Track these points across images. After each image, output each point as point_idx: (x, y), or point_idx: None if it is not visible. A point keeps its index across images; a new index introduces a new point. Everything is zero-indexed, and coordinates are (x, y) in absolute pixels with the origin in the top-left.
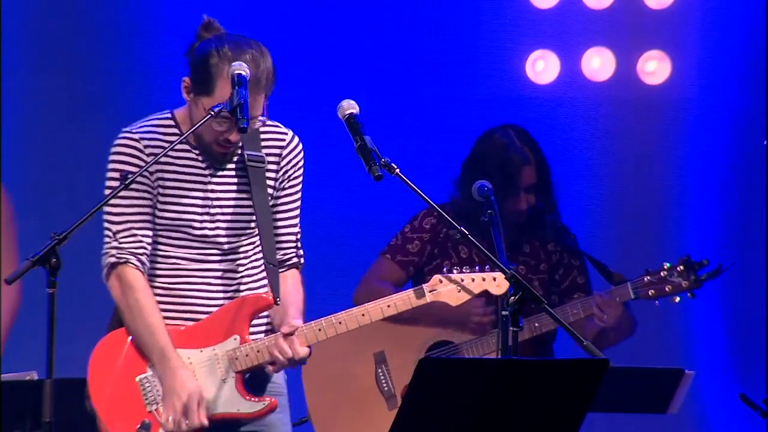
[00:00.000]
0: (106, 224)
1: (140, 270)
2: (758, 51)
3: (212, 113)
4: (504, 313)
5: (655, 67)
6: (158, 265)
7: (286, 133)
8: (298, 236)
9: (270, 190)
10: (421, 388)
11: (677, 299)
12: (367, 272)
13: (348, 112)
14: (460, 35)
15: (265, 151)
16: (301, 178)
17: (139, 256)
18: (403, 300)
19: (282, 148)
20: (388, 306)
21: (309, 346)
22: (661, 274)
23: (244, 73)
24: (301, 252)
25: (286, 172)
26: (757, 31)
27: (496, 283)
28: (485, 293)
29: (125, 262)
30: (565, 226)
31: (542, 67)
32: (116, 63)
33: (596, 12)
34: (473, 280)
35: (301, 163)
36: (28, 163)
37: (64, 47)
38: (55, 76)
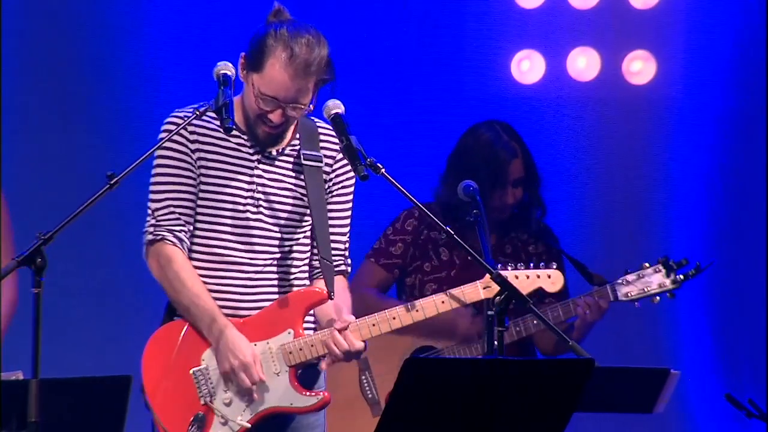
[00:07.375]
0: (148, 203)
1: (177, 246)
2: (743, 50)
3: (197, 113)
4: (489, 313)
5: (640, 67)
6: (203, 256)
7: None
8: (347, 244)
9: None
10: (407, 388)
11: (657, 299)
12: (353, 278)
13: (333, 111)
14: (445, 35)
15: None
16: (352, 188)
17: (176, 233)
18: (458, 296)
19: (337, 151)
20: (443, 302)
21: (364, 341)
22: (641, 274)
23: (229, 73)
24: (349, 261)
25: (338, 176)
26: (742, 31)
27: (551, 280)
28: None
29: (161, 239)
30: (549, 228)
31: (527, 66)
32: (103, 65)
33: (581, 12)
34: (528, 277)
35: (353, 173)
36: (14, 163)
37: (51, 49)
38: (43, 78)
